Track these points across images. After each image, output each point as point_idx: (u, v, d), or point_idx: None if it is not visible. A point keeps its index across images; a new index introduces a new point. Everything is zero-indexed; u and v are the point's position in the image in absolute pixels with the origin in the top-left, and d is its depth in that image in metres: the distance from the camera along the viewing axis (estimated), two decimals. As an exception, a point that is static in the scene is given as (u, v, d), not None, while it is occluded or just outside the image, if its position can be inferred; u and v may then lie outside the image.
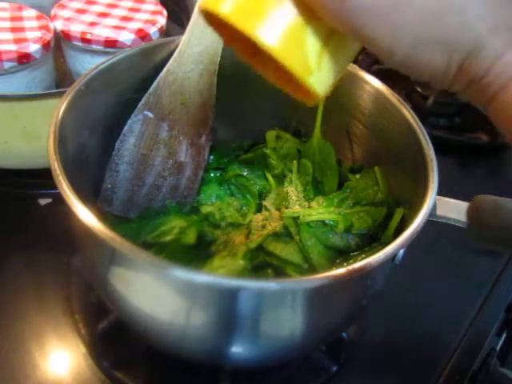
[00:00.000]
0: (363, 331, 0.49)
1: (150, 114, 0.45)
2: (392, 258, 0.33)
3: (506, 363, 0.50)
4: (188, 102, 0.47)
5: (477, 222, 0.36)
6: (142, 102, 0.45)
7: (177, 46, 0.45)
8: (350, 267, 0.29)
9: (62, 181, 0.32)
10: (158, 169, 0.47)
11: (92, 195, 0.44)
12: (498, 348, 0.51)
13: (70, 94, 0.38)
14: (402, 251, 0.33)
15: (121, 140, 0.45)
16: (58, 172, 0.32)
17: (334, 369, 0.46)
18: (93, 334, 0.45)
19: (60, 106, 0.37)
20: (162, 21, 0.61)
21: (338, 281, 0.29)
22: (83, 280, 0.49)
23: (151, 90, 0.45)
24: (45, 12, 0.60)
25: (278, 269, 0.41)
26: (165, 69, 0.45)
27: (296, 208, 0.45)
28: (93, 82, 0.41)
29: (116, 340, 0.45)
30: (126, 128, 0.45)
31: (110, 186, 0.45)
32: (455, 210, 0.37)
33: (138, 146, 0.46)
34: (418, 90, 0.75)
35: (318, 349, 0.46)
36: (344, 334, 0.47)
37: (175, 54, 0.45)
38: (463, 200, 0.38)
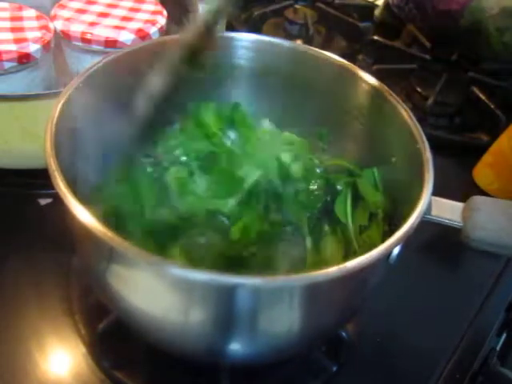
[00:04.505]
0: (363, 331, 0.49)
1: None
2: (386, 257, 0.33)
3: (506, 363, 0.50)
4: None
5: (471, 222, 0.36)
6: None
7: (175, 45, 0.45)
8: (342, 266, 0.29)
9: (58, 176, 0.32)
10: None
11: (92, 196, 0.44)
12: (498, 348, 0.51)
13: (68, 91, 0.39)
14: (396, 251, 0.33)
15: None
16: (54, 168, 0.32)
17: (334, 369, 0.46)
18: (93, 334, 0.45)
19: (58, 102, 0.37)
20: (162, 21, 0.61)
21: (331, 279, 0.29)
22: (83, 280, 0.49)
23: None
24: (45, 12, 0.60)
25: None
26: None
27: None
28: (91, 79, 0.41)
29: (116, 340, 0.44)
30: None
31: None
32: (450, 210, 0.37)
33: None
34: (418, 90, 0.75)
35: (317, 348, 0.47)
36: (344, 333, 0.47)
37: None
38: (463, 200, 0.38)
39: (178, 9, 0.68)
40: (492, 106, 0.73)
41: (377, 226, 0.43)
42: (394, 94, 0.43)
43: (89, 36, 0.56)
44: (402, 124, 0.41)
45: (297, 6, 0.90)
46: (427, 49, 0.82)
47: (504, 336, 0.53)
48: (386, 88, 0.44)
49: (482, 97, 0.75)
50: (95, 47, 0.57)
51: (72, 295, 0.48)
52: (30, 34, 0.54)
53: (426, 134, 0.40)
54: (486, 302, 0.53)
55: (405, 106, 0.42)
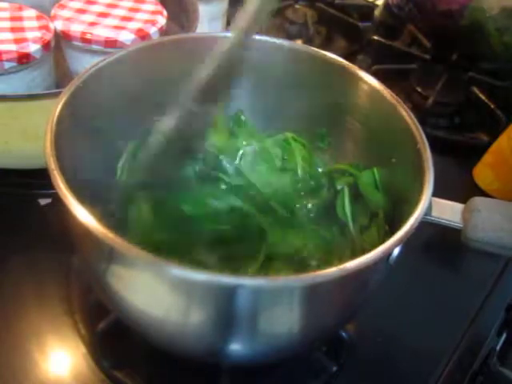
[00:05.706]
0: (363, 331, 0.49)
1: None
2: (386, 258, 0.33)
3: (506, 363, 0.50)
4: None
5: (471, 223, 0.36)
6: None
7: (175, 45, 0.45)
8: (342, 266, 0.29)
9: (58, 176, 0.32)
10: None
11: (92, 196, 0.44)
12: (497, 348, 0.51)
13: (68, 91, 0.39)
14: (396, 251, 0.33)
15: None
16: (54, 168, 0.32)
17: (334, 369, 0.46)
18: (93, 333, 0.45)
19: (58, 102, 0.37)
20: (162, 21, 0.61)
21: (332, 279, 0.29)
22: (83, 280, 0.49)
23: None
24: (45, 12, 0.60)
25: None
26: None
27: None
28: (91, 79, 0.41)
29: (116, 340, 0.44)
30: None
31: None
32: (450, 211, 0.37)
33: None
34: (418, 90, 0.75)
35: (318, 349, 0.47)
36: (344, 334, 0.47)
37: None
38: (463, 200, 0.38)
39: (178, 9, 0.68)
40: (492, 106, 0.73)
41: (377, 227, 0.43)
42: (394, 94, 0.43)
43: (89, 36, 0.56)
44: (402, 124, 0.41)
45: (297, 6, 0.91)
46: (427, 49, 0.82)
47: (504, 336, 0.53)
48: (386, 88, 0.44)
49: (482, 97, 0.75)
50: (95, 47, 0.57)
51: (72, 295, 0.48)
52: (29, 34, 0.54)
53: (426, 134, 0.40)
54: (486, 302, 0.53)
55: (405, 106, 0.42)
